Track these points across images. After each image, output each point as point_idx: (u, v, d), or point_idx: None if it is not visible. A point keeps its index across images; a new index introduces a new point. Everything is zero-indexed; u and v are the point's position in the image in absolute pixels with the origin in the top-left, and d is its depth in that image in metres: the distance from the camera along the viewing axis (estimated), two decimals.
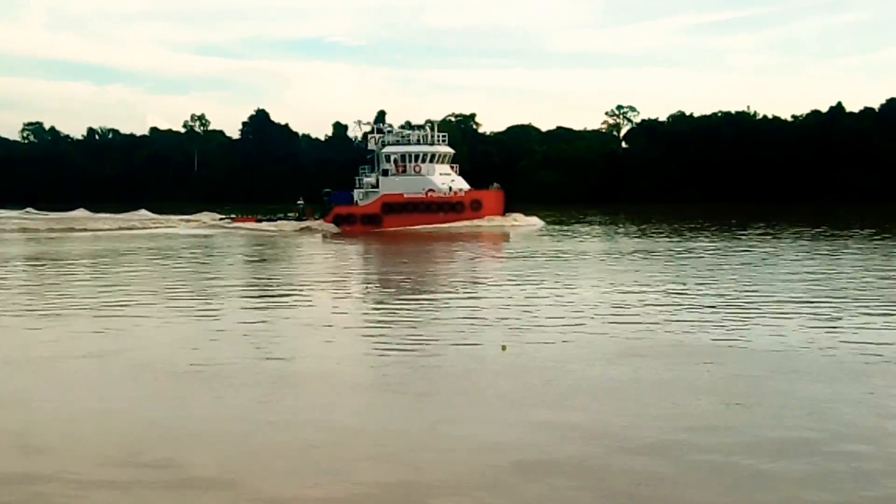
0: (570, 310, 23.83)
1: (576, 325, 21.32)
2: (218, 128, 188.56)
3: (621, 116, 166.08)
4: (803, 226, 66.20)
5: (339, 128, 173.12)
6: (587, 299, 26.07)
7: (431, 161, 73.42)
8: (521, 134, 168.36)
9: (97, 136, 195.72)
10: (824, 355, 17.38)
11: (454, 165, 75.89)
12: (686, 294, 27.13)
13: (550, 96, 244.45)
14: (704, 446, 11.65)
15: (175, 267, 39.91)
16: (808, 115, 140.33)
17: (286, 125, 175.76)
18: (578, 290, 28.94)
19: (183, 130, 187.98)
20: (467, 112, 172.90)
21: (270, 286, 31.73)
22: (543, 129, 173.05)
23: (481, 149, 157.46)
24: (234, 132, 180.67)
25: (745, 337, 19.45)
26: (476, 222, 69.67)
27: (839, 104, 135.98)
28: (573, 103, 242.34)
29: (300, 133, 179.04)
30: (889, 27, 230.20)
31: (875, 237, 54.49)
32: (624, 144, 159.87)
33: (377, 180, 73.22)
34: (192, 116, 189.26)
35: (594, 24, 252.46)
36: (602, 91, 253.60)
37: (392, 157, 73.30)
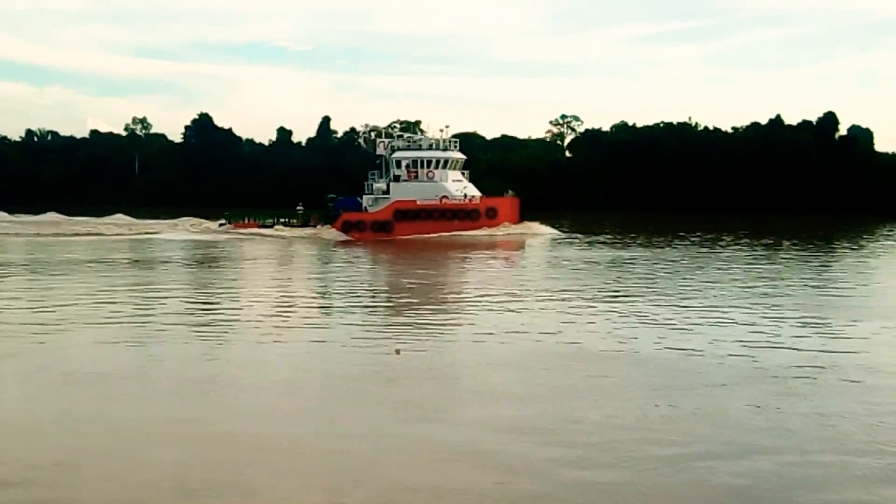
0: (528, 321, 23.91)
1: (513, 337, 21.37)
2: (160, 131, 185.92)
3: (565, 125, 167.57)
4: (740, 236, 67.28)
5: (284, 132, 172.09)
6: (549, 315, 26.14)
7: (444, 167, 70.46)
8: (466, 142, 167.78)
9: (36, 138, 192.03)
10: (722, 363, 17.75)
11: (465, 172, 73.32)
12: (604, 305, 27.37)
13: (495, 104, 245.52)
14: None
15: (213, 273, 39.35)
16: (748, 126, 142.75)
17: (230, 129, 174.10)
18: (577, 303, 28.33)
19: (124, 133, 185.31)
20: (412, 119, 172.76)
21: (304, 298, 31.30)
22: (488, 136, 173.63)
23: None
24: (176, 136, 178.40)
25: (635, 342, 20.04)
26: (491, 230, 67.46)
27: (778, 116, 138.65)
28: (518, 112, 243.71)
29: (244, 137, 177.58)
30: (828, 42, 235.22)
31: (808, 247, 55.61)
32: (568, 153, 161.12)
33: (388, 186, 70.09)
34: (134, 119, 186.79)
35: (539, 32, 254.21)
36: (546, 100, 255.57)
37: (403, 163, 70.22)
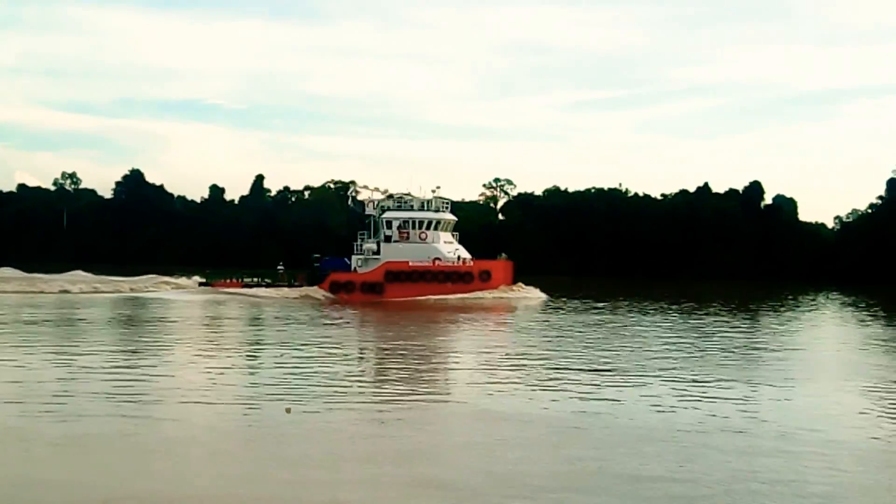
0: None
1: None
2: (90, 186, 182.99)
3: (498, 189, 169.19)
4: (667, 300, 68.24)
5: (216, 190, 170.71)
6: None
7: (436, 228, 69.46)
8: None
9: None
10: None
11: (455, 234, 72.39)
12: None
13: (429, 166, 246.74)
14: None
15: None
16: (676, 193, 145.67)
17: (161, 186, 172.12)
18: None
19: (53, 188, 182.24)
20: (346, 179, 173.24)
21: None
22: (422, 198, 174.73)
23: (360, 216, 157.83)
24: (106, 191, 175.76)
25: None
26: (483, 294, 66.57)
27: (706, 184, 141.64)
28: (452, 174, 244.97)
29: (175, 194, 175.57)
30: (753, 113, 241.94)
31: (733, 311, 56.68)
32: (501, 216, 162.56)
33: (378, 246, 68.66)
34: (63, 174, 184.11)
35: (472, 97, 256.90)
36: (480, 163, 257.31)
37: (394, 223, 68.96)
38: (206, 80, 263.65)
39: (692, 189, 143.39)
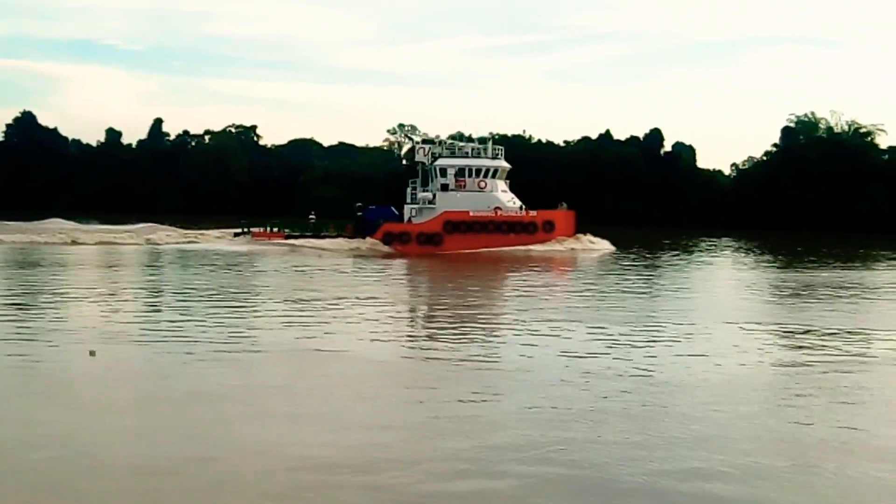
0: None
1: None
2: None
3: (403, 135, 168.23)
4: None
5: (113, 134, 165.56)
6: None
7: (494, 176, 66.57)
8: (303, 148, 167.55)
9: None
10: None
11: (507, 182, 69.42)
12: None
13: (333, 112, 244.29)
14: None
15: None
16: (579, 140, 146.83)
17: (55, 129, 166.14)
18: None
19: None
20: (248, 124, 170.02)
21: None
22: (326, 144, 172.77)
23: (262, 161, 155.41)
24: None
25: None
26: (547, 245, 63.68)
27: (608, 132, 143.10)
28: (355, 120, 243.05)
29: (70, 138, 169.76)
30: (654, 61, 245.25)
31: (634, 259, 57.68)
32: (405, 162, 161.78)
33: (434, 196, 65.57)
34: None
35: (377, 41, 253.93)
36: (384, 109, 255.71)
37: (449, 171, 65.78)
38: (101, 20, 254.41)
39: (594, 136, 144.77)
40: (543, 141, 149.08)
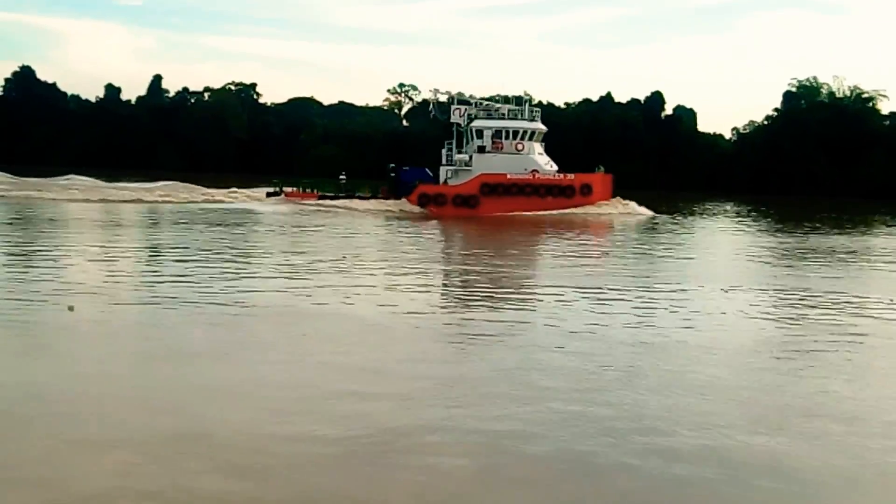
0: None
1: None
2: None
3: (403, 94, 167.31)
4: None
5: (112, 90, 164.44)
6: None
7: (531, 139, 65.24)
8: (303, 107, 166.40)
9: None
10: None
11: (543, 144, 67.78)
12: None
13: (333, 70, 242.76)
14: None
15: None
16: (580, 103, 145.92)
17: (53, 84, 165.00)
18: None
19: None
20: (248, 81, 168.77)
21: None
22: (325, 102, 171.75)
23: (262, 120, 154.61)
24: None
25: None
26: (586, 209, 62.55)
27: (608, 94, 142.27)
28: (356, 79, 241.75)
29: (69, 93, 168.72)
30: (655, 22, 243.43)
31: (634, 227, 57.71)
32: (405, 122, 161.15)
33: (471, 158, 64.11)
34: None
35: (376, 0, 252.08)
36: (384, 68, 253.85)
37: (486, 133, 64.52)
38: None
39: (595, 99, 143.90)
40: (545, 103, 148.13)
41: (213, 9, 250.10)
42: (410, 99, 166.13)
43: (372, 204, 62.72)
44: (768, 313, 22.75)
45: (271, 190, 67.82)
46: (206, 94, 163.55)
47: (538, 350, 17.10)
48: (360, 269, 28.95)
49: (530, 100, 73.17)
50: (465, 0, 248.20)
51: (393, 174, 66.24)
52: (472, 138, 64.88)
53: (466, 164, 63.99)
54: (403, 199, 62.68)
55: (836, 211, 77.13)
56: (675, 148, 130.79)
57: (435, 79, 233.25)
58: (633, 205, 67.14)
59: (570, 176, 64.49)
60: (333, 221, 51.85)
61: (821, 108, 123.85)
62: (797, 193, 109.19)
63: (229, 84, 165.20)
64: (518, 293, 25.20)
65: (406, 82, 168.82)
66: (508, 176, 62.63)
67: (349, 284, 25.02)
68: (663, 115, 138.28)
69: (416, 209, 61.40)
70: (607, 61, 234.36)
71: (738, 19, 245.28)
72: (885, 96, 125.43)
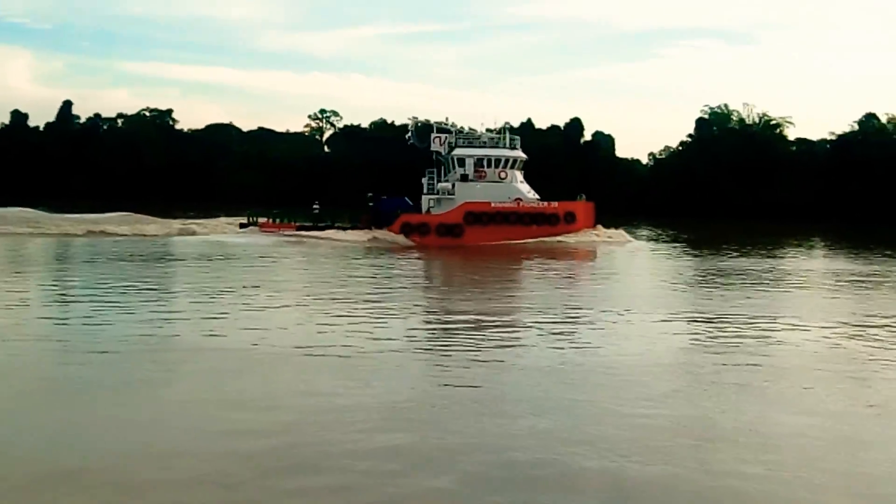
0: None
1: None
2: None
3: (324, 121, 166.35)
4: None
5: (19, 116, 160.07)
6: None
7: (513, 167, 64.71)
8: (221, 133, 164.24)
9: None
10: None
11: (523, 172, 66.96)
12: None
13: (252, 96, 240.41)
14: None
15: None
16: (500, 129, 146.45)
17: None
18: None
19: None
20: (163, 108, 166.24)
21: None
22: (245, 129, 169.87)
23: (178, 147, 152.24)
24: None
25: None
26: (568, 237, 61.73)
27: (529, 120, 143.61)
28: (276, 105, 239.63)
29: None
30: (576, 50, 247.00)
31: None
32: (326, 149, 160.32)
33: (453, 186, 63.21)
34: None
35: (298, 26, 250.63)
36: (305, 94, 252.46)
37: (468, 161, 63.77)
38: None
39: (515, 124, 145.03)
40: (466, 129, 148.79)
41: (127, 33, 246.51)
42: (332, 125, 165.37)
43: (352, 235, 61.47)
44: (677, 336, 22.81)
45: (244, 221, 66.71)
46: (120, 121, 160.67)
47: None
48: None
49: (511, 128, 72.55)
50: (388, 26, 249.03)
51: (371, 203, 65.40)
52: (454, 167, 64.06)
53: (449, 193, 63.11)
54: (385, 229, 61.67)
55: (746, 233, 78.63)
56: (594, 173, 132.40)
57: (355, 104, 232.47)
58: (614, 232, 66.93)
59: (554, 204, 64.24)
60: (319, 252, 50.83)
61: (731, 135, 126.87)
62: (710, 216, 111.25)
63: (144, 110, 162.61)
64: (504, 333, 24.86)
65: (327, 108, 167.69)
66: (493, 204, 62.04)
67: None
68: (582, 140, 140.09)
69: (400, 239, 60.33)
70: (527, 87, 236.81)
71: (656, 48, 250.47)
72: (791, 123, 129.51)
